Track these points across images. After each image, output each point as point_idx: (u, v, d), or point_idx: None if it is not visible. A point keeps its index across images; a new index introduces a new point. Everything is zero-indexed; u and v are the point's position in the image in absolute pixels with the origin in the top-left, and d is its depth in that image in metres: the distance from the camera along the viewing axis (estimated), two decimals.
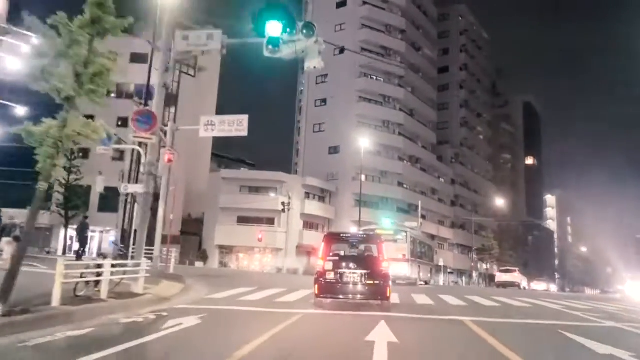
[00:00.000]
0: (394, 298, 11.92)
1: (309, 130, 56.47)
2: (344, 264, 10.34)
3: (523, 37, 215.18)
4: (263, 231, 44.74)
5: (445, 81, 70.84)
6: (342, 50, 55.88)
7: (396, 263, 22.74)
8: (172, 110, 52.12)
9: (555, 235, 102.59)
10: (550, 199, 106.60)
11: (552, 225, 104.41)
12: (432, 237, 58.74)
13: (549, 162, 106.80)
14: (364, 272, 10.19)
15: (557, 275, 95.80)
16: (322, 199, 51.84)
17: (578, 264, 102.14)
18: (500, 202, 72.94)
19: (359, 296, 10.27)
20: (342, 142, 52.49)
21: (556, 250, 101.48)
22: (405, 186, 55.66)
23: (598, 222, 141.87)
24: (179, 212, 50.47)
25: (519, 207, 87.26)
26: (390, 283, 10.54)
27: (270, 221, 48.20)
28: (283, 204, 42.52)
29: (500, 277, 38.63)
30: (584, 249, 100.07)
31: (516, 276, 38.60)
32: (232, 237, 46.76)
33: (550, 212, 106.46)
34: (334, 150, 53.98)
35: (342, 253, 10.90)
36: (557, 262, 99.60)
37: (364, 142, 43.77)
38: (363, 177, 52.70)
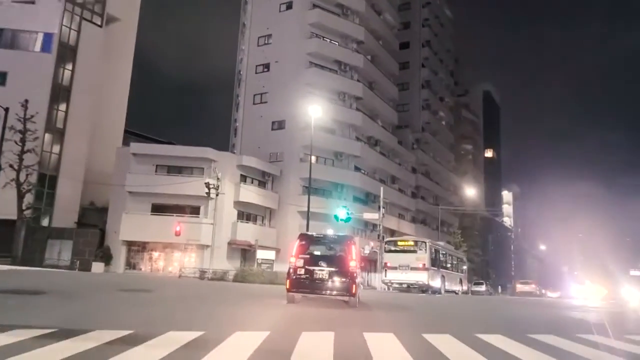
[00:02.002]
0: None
1: (248, 102, 46.42)
2: (314, 262, 11.38)
3: (484, 28, 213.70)
4: (181, 222, 34.33)
5: (406, 59, 62.62)
6: (289, 5, 46.41)
7: (416, 271, 25.52)
8: (70, 66, 40.66)
9: (512, 234, 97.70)
10: (506, 195, 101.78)
11: (507, 222, 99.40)
12: (393, 232, 50.34)
13: (507, 155, 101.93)
14: (332, 269, 11.20)
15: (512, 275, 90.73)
16: (262, 184, 41.99)
17: (534, 262, 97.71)
18: (464, 194, 65.94)
19: (327, 292, 11.22)
20: (288, 116, 42.93)
21: (512, 248, 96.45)
22: (363, 171, 46.76)
23: (550, 221, 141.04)
24: (75, 198, 39.12)
25: (478, 202, 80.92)
26: (358, 281, 11.71)
27: (195, 210, 37.85)
28: (208, 185, 32.35)
29: (521, 288, 48.59)
30: (543, 247, 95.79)
31: (533, 287, 49.10)
32: (144, 231, 36.03)
33: (507, 208, 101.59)
34: (278, 125, 44.26)
35: (314, 252, 11.77)
36: (512, 262, 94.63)
37: (315, 114, 34.51)
38: (313, 159, 43.24)
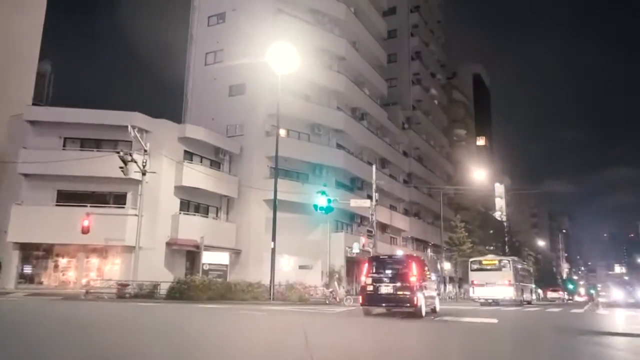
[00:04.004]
0: None
1: (199, 63, 36.23)
2: (381, 280, 13.44)
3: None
4: (95, 214, 23.97)
5: (393, 26, 53.21)
6: None
7: (502, 287, 27.40)
8: None
9: (507, 230, 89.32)
10: (498, 187, 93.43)
11: (500, 215, 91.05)
12: (384, 226, 40.82)
13: (498, 144, 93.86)
14: (396, 285, 13.09)
15: None
16: (216, 164, 31.87)
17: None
18: (460, 184, 56.94)
19: (393, 304, 13.25)
20: (250, 78, 33.07)
21: (507, 248, 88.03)
22: (347, 150, 37.03)
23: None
24: None
25: (474, 193, 72.15)
26: (420, 294, 13.00)
27: (120, 199, 27.51)
28: (123, 159, 22.17)
29: (551, 294, 55.47)
30: (541, 243, 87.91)
31: (560, 293, 58.21)
32: (45, 228, 25.46)
33: (499, 202, 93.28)
34: (236, 90, 34.23)
35: (380, 271, 13.81)
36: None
37: (285, 72, 24.98)
38: (283, 132, 33.57)
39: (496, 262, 29.61)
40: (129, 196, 27.01)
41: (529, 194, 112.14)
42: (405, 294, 12.82)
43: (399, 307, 13.09)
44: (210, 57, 35.55)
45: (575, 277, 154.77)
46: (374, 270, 13.79)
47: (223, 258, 24.92)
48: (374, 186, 29.54)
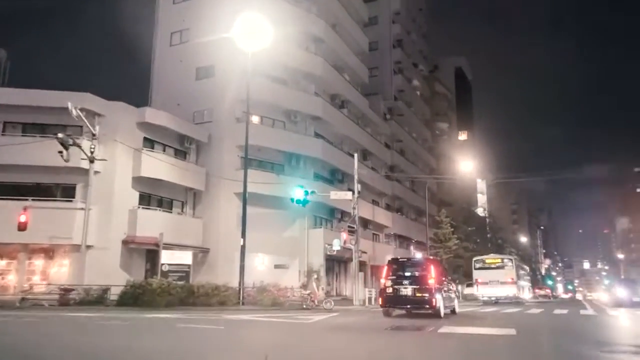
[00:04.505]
0: None
1: (163, 43, 33.02)
2: (400, 282, 13.80)
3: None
4: (35, 207, 20.71)
5: (374, 12, 50.57)
6: None
7: (505, 286, 28.29)
8: None
9: (488, 226, 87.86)
10: (480, 184, 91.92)
11: (482, 212, 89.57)
12: (366, 222, 38.25)
13: (480, 140, 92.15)
14: (415, 287, 13.50)
15: None
16: (181, 154, 28.78)
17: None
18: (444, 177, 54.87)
19: (411, 306, 13.69)
20: (219, 59, 30.11)
21: (489, 245, 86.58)
22: (326, 140, 34.27)
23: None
24: None
25: (457, 189, 70.31)
26: (438, 295, 13.43)
27: (68, 192, 24.24)
28: (63, 142, 19.02)
29: (539, 292, 57.87)
30: (524, 239, 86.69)
31: (547, 291, 63.05)
32: None
33: (481, 198, 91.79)
34: (205, 73, 31.17)
35: (399, 273, 14.15)
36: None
37: (256, 49, 22.28)
38: (257, 119, 30.77)
39: (499, 260, 30.63)
40: (78, 188, 23.74)
41: (508, 190, 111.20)
42: (425, 296, 13.29)
43: (418, 308, 13.60)
44: (176, 37, 32.41)
45: (553, 273, 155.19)
46: (393, 273, 14.20)
47: (186, 257, 21.90)
48: (355, 176, 26.83)
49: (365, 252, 33.30)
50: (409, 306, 13.70)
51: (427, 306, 13.26)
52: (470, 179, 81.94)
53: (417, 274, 13.94)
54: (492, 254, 35.91)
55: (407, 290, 13.53)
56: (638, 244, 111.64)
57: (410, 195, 50.78)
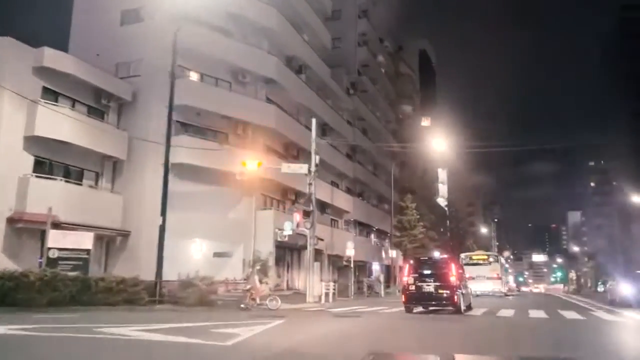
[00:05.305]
0: None
1: None
2: (422, 279, 14.17)
3: None
4: None
5: None
6: None
7: (492, 281, 29.89)
8: None
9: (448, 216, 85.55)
10: (441, 173, 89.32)
11: (442, 202, 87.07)
12: (325, 205, 33.74)
13: (443, 127, 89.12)
14: (437, 284, 13.89)
15: None
16: (97, 113, 23.07)
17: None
18: (408, 165, 51.07)
19: (433, 302, 14.12)
20: (149, 0, 24.45)
21: (449, 234, 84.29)
22: (280, 108, 29.24)
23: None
24: None
25: (418, 179, 66.95)
26: (459, 292, 13.86)
27: None
28: None
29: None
30: (484, 230, 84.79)
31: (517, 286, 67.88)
32: None
33: (442, 188, 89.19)
34: (132, 17, 25.48)
35: (421, 271, 14.49)
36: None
37: None
38: (195, 76, 25.59)
39: (485, 257, 32.24)
40: None
41: (465, 183, 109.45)
42: (447, 293, 13.72)
43: (440, 305, 14.09)
44: None
45: (507, 265, 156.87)
46: (415, 271, 14.54)
47: (85, 241, 16.49)
48: (313, 145, 22.06)
49: (322, 240, 28.74)
50: (433, 303, 14.13)
51: (449, 302, 13.77)
52: (432, 165, 79.09)
53: (438, 271, 14.29)
54: (478, 251, 38.54)
55: (429, 287, 13.94)
56: (591, 237, 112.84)
57: (373, 180, 46.60)
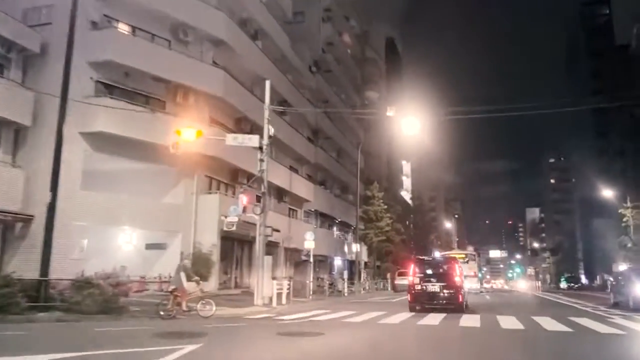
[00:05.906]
0: None
1: None
2: (427, 279, 14.51)
3: None
4: None
5: None
6: None
7: (469, 279, 28.39)
8: None
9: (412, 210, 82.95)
10: (405, 165, 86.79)
11: (406, 195, 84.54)
12: (282, 192, 29.76)
13: (408, 118, 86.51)
14: (441, 284, 14.27)
15: None
16: None
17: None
18: (371, 154, 47.71)
19: (438, 302, 14.22)
20: None
21: (411, 227, 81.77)
22: (230, 74, 24.90)
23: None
24: None
25: (384, 170, 63.94)
26: (463, 292, 14.61)
27: None
28: None
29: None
30: (448, 225, 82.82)
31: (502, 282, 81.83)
32: None
33: (406, 181, 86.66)
34: None
35: (426, 271, 14.81)
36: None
37: None
38: (125, 28, 21.07)
39: (464, 255, 33.29)
40: None
41: (427, 178, 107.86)
42: (451, 293, 14.21)
43: (445, 304, 14.24)
44: None
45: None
46: (420, 271, 14.87)
47: None
48: (266, 113, 18.03)
49: (277, 231, 24.69)
50: (436, 302, 14.20)
51: (454, 302, 14.04)
52: (395, 159, 76.19)
53: (443, 272, 14.61)
54: (455, 250, 39.07)
55: (435, 287, 14.27)
56: (549, 233, 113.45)
57: (336, 168, 42.92)
